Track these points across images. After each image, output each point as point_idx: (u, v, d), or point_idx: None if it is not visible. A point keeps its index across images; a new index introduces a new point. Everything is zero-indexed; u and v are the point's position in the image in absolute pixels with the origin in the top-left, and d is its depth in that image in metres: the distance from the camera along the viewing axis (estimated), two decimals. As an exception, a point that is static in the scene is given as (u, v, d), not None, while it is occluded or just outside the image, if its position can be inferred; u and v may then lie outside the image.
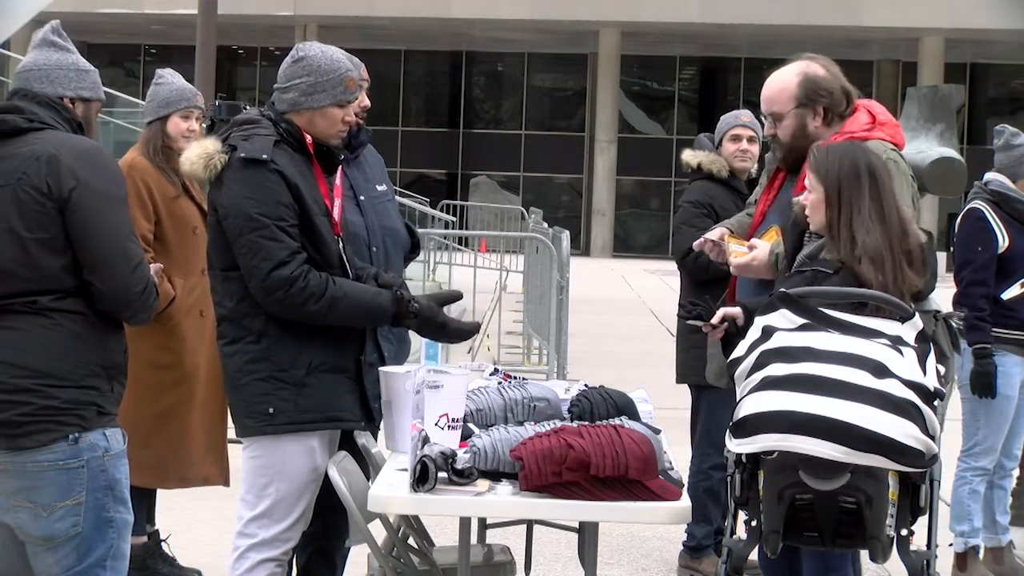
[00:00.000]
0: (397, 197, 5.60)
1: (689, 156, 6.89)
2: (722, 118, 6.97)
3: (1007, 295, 6.53)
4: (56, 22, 4.18)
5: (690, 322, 4.78)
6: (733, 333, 4.62)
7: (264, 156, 4.44)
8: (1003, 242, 6.53)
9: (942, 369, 4.36)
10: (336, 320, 4.47)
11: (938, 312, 4.52)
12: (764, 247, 4.97)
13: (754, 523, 4.21)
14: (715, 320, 4.68)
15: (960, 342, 4.58)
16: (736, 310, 4.69)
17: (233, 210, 4.44)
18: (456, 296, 4.88)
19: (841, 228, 4.47)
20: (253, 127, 4.57)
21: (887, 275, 4.38)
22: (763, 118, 5.06)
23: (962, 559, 6.69)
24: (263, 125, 4.57)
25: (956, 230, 6.69)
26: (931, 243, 4.54)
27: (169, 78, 6.24)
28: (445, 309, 4.68)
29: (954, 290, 6.62)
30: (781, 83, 4.92)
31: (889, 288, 4.36)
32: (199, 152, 4.55)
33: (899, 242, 4.43)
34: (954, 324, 4.54)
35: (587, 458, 3.95)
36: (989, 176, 6.68)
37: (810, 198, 4.54)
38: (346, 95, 4.56)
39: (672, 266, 7.53)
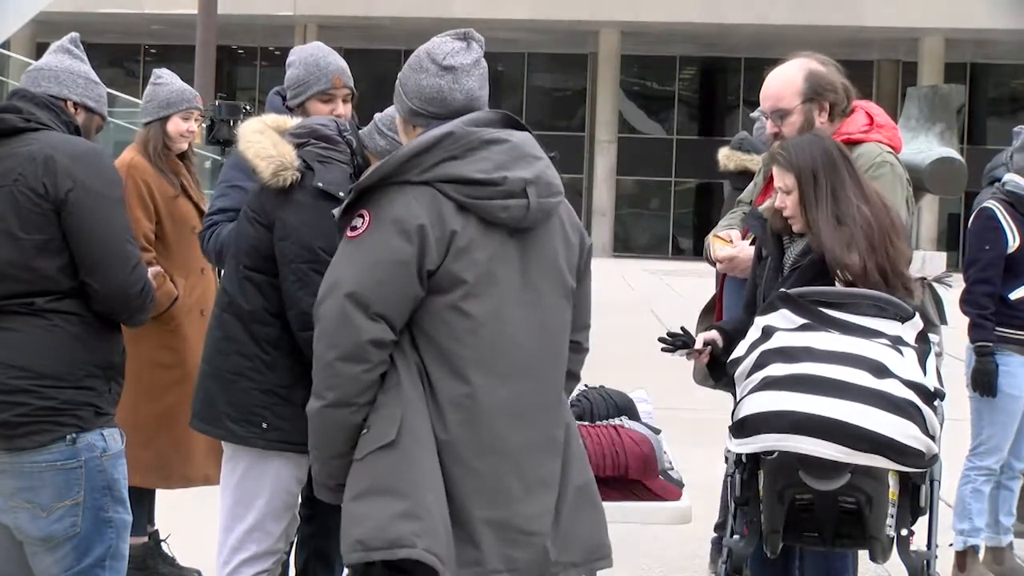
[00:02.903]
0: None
1: (754, 163, 6.73)
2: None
3: (1015, 295, 6.53)
4: (76, 35, 4.23)
5: (677, 353, 4.69)
6: (719, 353, 4.58)
7: (341, 195, 4.20)
8: (1013, 242, 6.52)
9: (935, 337, 4.35)
10: None
11: (924, 278, 4.51)
12: (748, 245, 4.94)
13: (754, 523, 4.21)
14: (698, 345, 4.62)
15: (945, 311, 4.57)
16: (713, 334, 4.65)
17: (295, 235, 4.30)
18: None
19: (823, 216, 4.41)
20: (331, 149, 4.42)
21: (880, 256, 4.35)
22: (762, 117, 4.98)
23: (961, 558, 6.69)
24: (341, 150, 4.44)
25: (968, 228, 6.72)
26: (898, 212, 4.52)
27: (168, 79, 6.25)
28: None
29: (956, 291, 6.62)
30: (786, 79, 4.81)
31: (884, 266, 4.33)
32: (271, 152, 4.37)
33: (884, 217, 4.39)
34: (939, 290, 4.53)
35: (587, 458, 3.95)
36: (1007, 176, 6.71)
37: (788, 200, 4.47)
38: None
39: (672, 266, 7.52)
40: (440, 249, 3.35)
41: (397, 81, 3.59)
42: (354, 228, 3.41)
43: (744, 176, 6.80)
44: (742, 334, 4.36)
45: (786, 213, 4.46)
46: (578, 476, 3.56)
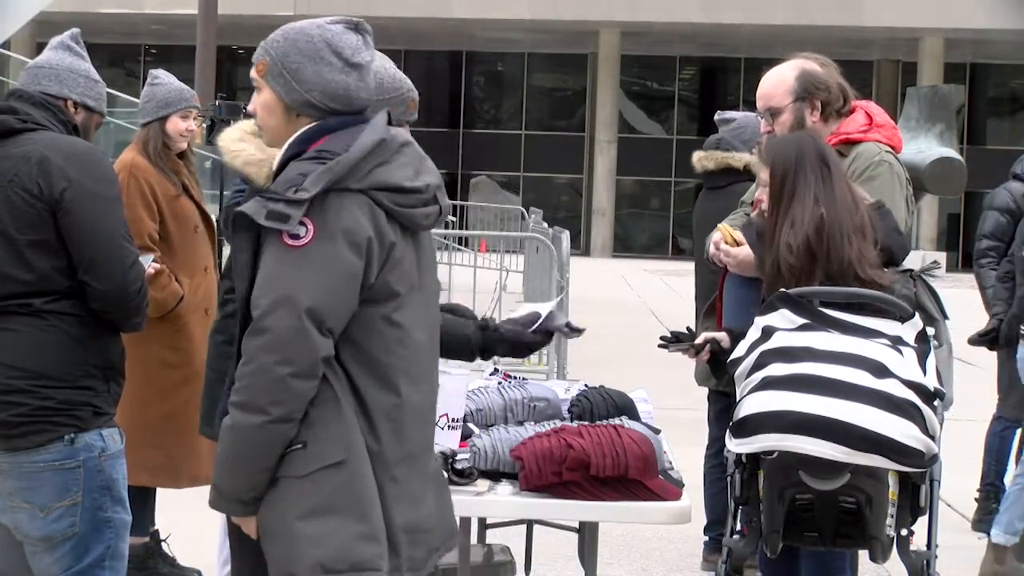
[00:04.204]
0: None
1: (737, 160, 6.71)
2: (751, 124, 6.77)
3: None
4: (76, 31, 4.22)
5: (671, 348, 4.66)
6: (717, 352, 4.56)
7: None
8: None
9: (932, 330, 4.34)
10: None
11: (911, 271, 4.49)
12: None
13: (754, 523, 4.21)
14: (698, 342, 4.59)
15: (943, 301, 4.55)
16: (722, 334, 4.64)
17: None
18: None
19: (775, 213, 4.40)
20: None
21: (824, 260, 4.32)
22: (759, 117, 5.00)
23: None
24: None
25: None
26: (882, 206, 4.50)
27: (165, 79, 6.26)
28: None
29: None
30: (778, 78, 4.85)
31: (832, 269, 4.31)
32: (261, 157, 4.38)
33: (848, 218, 4.36)
34: (929, 280, 4.51)
35: (587, 458, 3.95)
36: None
37: (765, 196, 4.47)
38: None
39: (672, 266, 7.50)
40: (380, 261, 3.28)
41: (273, 61, 3.41)
42: (296, 236, 3.24)
43: (726, 174, 6.76)
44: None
45: (763, 207, 4.47)
46: (435, 463, 3.55)
